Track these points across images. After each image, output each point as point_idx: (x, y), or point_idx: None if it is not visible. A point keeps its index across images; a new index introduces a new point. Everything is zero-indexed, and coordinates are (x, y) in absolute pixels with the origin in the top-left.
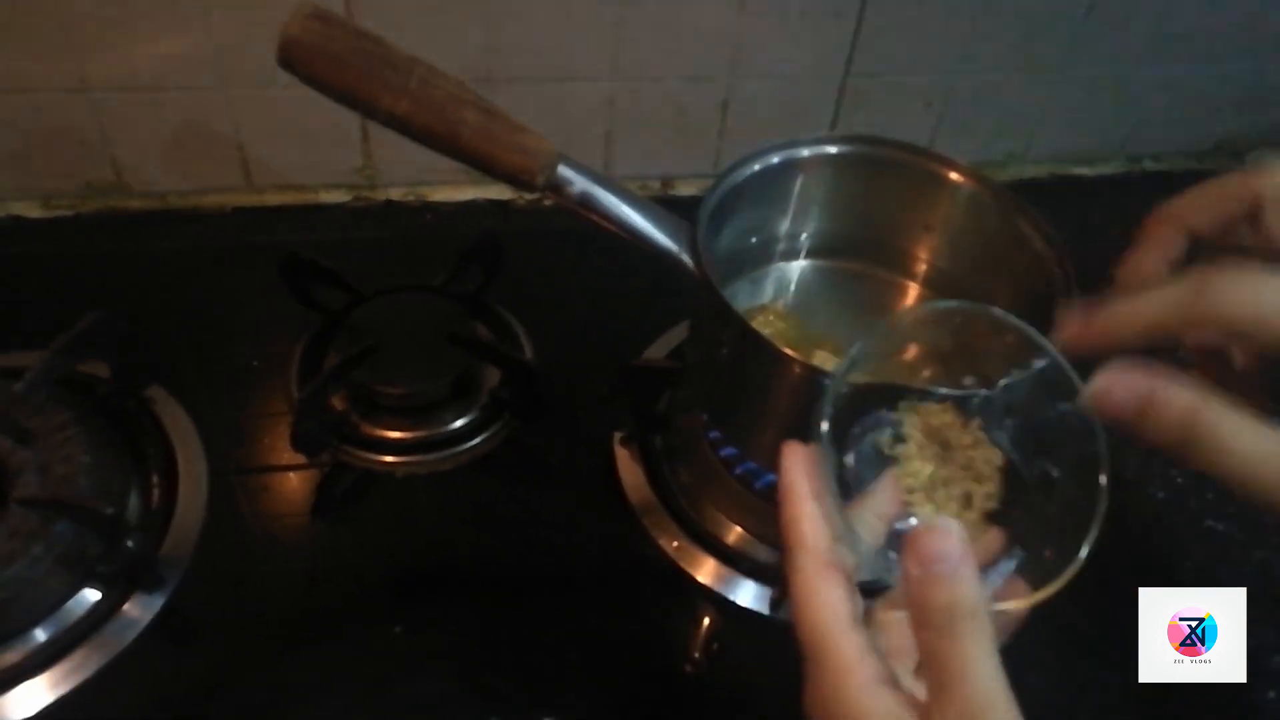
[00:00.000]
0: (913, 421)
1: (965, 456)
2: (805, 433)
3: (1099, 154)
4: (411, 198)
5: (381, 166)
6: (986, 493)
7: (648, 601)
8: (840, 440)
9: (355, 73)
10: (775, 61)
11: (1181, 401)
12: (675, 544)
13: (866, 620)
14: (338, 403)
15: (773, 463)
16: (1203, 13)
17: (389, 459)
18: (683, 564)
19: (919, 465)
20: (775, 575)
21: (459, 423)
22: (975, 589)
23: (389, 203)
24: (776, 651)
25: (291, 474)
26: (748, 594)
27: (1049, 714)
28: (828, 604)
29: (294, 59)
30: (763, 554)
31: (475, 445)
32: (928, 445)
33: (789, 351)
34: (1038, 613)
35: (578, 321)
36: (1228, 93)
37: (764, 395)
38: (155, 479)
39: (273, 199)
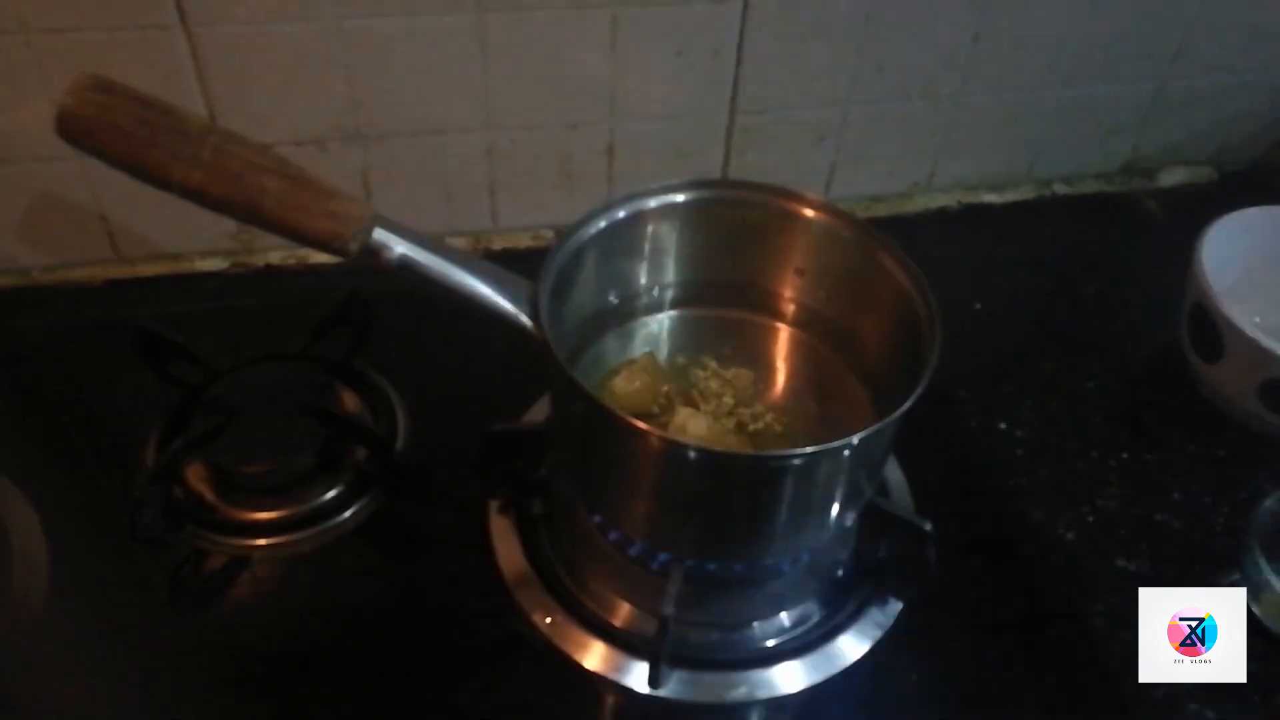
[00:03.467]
0: None
1: None
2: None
3: (1007, 180)
4: (292, 260)
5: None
6: None
7: (519, 683)
8: None
9: (142, 144)
10: (655, 102)
11: None
12: (550, 619)
13: None
14: (198, 484)
15: (636, 531)
16: (1091, 34)
17: (250, 541)
18: (557, 641)
19: None
20: (659, 651)
21: (325, 497)
22: None
23: (268, 267)
24: None
25: (145, 563)
26: (631, 674)
27: None
28: None
29: (74, 132)
30: (650, 629)
31: (343, 520)
32: None
33: (631, 419)
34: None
35: (457, 382)
36: (1129, 111)
37: (616, 460)
38: None
39: (144, 270)
